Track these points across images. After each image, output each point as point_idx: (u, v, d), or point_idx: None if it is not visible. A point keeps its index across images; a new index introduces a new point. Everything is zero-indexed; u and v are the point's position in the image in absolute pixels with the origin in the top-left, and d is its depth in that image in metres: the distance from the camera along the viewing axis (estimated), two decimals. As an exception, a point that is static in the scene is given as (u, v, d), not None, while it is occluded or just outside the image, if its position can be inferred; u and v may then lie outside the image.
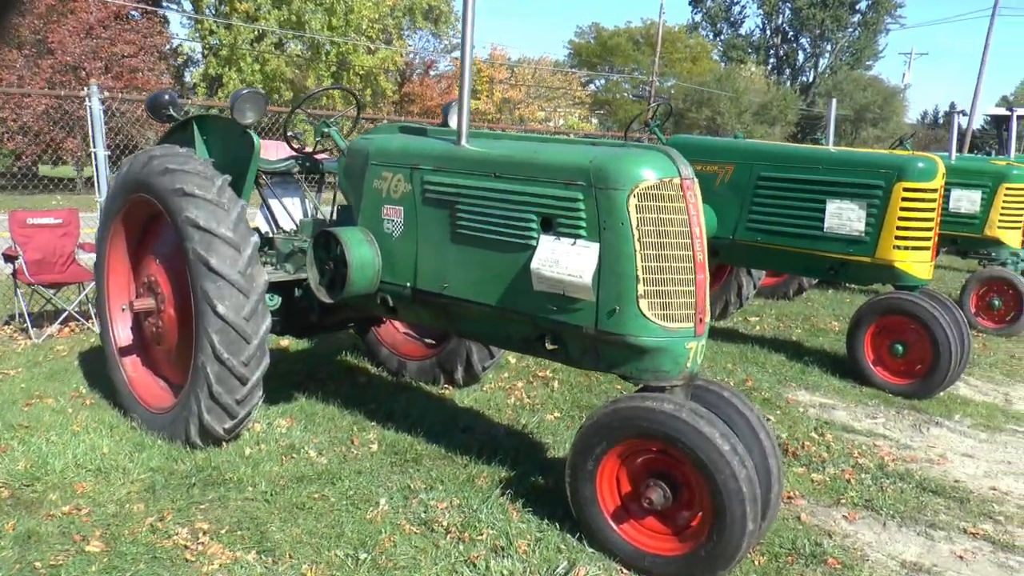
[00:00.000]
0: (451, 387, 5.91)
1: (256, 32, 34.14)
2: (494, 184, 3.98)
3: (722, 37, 59.82)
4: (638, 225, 3.48)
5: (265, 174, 5.67)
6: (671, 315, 3.53)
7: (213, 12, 35.27)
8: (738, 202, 7.23)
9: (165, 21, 35.08)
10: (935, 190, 6.59)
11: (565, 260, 3.63)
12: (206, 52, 35.46)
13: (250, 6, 33.75)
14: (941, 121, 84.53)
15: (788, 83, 56.10)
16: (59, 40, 26.07)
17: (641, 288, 3.49)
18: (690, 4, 60.68)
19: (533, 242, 3.79)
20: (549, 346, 3.93)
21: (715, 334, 8.09)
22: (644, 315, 3.50)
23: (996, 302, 9.41)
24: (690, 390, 3.74)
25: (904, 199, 6.53)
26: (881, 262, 6.63)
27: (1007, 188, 9.83)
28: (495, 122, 40.34)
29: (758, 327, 8.71)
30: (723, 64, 53.16)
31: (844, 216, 6.71)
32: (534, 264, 3.73)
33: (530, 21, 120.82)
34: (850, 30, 58.13)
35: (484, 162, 4.06)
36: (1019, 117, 13.56)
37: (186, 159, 4.76)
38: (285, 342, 7.06)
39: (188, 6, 35.64)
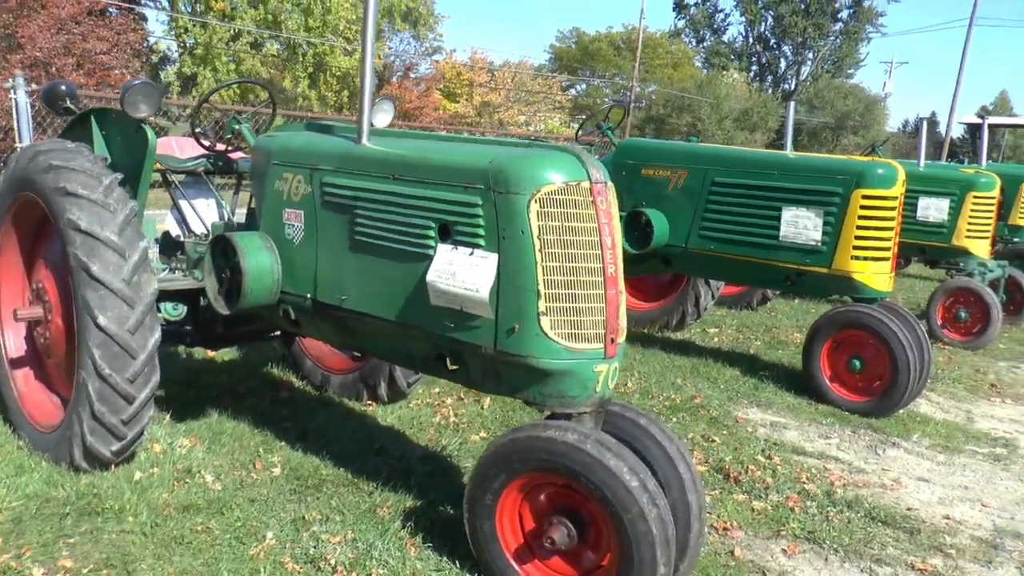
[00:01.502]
0: (375, 403, 5.52)
1: (232, 31, 33.68)
2: (392, 187, 3.60)
3: (705, 44, 59.75)
4: (540, 234, 3.11)
5: (175, 173, 5.28)
6: (577, 335, 3.16)
7: (189, 10, 34.78)
8: (691, 209, 6.88)
9: (142, 18, 34.58)
10: (895, 198, 6.26)
11: (462, 272, 3.26)
12: (181, 50, 34.95)
13: (226, 5, 33.30)
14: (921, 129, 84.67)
15: (770, 90, 56.00)
16: (29, 35, 25.53)
17: (543, 304, 3.12)
18: (673, 10, 60.66)
19: (431, 251, 3.42)
20: (450, 366, 3.56)
21: (670, 346, 7.73)
22: (546, 334, 3.13)
23: (963, 314, 9.09)
24: (601, 417, 3.37)
25: (863, 207, 6.19)
26: (839, 273, 6.29)
27: (975, 197, 9.52)
28: (475, 125, 39.98)
29: (716, 339, 8.36)
30: (705, 70, 52.98)
31: (800, 224, 6.36)
32: (430, 276, 3.36)
33: (512, 26, 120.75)
34: (832, 38, 58.24)
35: (383, 163, 3.69)
36: (991, 126, 13.36)
37: (73, 155, 4.36)
38: (212, 352, 6.65)
39: (164, 3, 35.12)
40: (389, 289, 3.64)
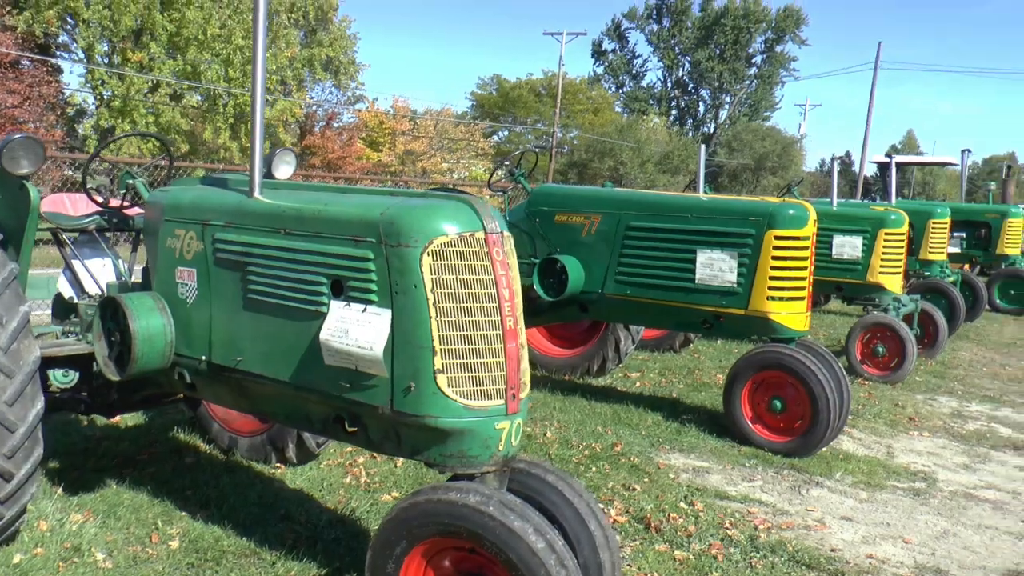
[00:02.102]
0: (284, 466, 5.29)
1: (150, 83, 33.17)
2: (283, 242, 3.45)
3: (624, 89, 60.85)
4: (433, 288, 2.98)
5: (67, 232, 5.03)
6: (476, 392, 3.02)
7: (106, 61, 34.15)
8: (606, 254, 6.82)
9: (57, 70, 33.88)
10: (807, 238, 6.29)
11: (355, 330, 3.11)
12: (98, 103, 34.28)
13: (143, 56, 32.77)
14: (838, 169, 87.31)
15: (690, 133, 57.20)
16: (-66, 86, 24.82)
17: (439, 361, 2.98)
18: (592, 57, 61.73)
19: (324, 309, 3.26)
20: (348, 429, 3.39)
21: (591, 393, 7.63)
22: (443, 392, 2.99)
23: (880, 349, 9.20)
24: (506, 476, 3.22)
25: (776, 247, 6.21)
26: (755, 314, 6.28)
27: (886, 234, 9.70)
28: (398, 174, 39.90)
29: (638, 383, 8.29)
30: (625, 115, 53.89)
31: (716, 267, 6.35)
32: (323, 334, 3.20)
33: (433, 73, 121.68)
34: (747, 83, 59.84)
35: (274, 216, 3.53)
36: (899, 164, 13.71)
37: (-56, 217, 4.12)
38: (116, 419, 6.34)
39: (80, 54, 34.39)
40: (284, 349, 3.47)
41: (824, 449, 6.45)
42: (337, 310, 3.20)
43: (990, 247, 15.47)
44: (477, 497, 2.91)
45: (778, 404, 6.30)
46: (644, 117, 52.69)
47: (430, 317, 2.98)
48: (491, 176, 7.74)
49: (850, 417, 7.52)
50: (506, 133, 50.24)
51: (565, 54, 43.66)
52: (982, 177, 64.78)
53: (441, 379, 2.99)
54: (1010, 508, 5.71)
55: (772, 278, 6.19)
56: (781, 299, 6.25)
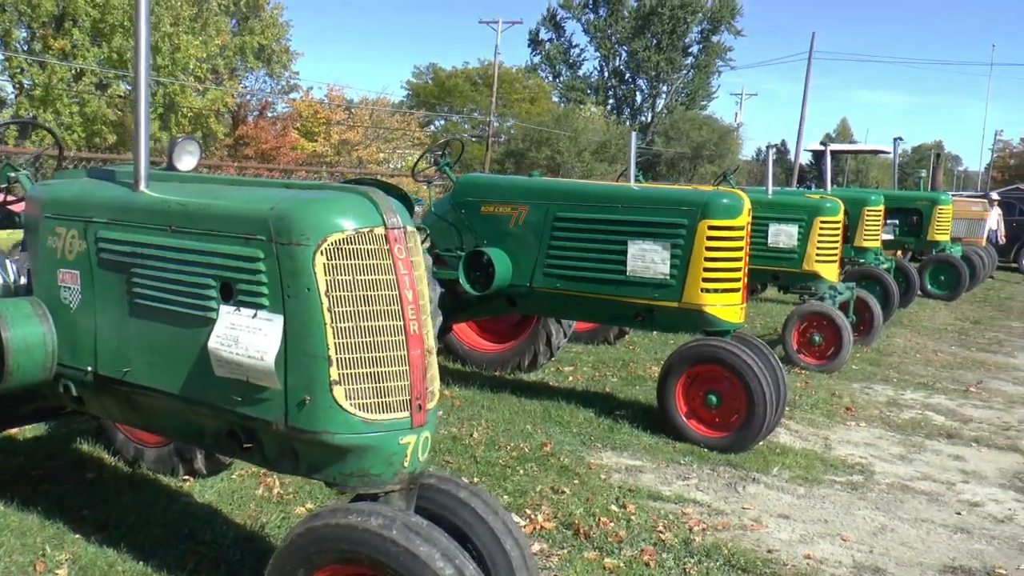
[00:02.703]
0: (192, 478, 4.95)
1: (73, 71, 32.07)
2: (170, 240, 3.13)
3: (561, 79, 60.71)
4: (328, 290, 2.70)
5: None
6: (377, 404, 2.75)
7: (25, 48, 32.93)
8: (535, 246, 6.58)
9: (-29, 59, 32.63)
10: (742, 227, 6.12)
11: (245, 337, 2.82)
12: (18, 92, 33.07)
13: (66, 43, 31.65)
14: (774, 157, 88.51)
15: (628, 122, 57.29)
16: None
17: (335, 372, 2.70)
18: (529, 46, 61.44)
19: (213, 314, 2.95)
20: (244, 445, 3.09)
21: (521, 390, 7.38)
22: (340, 406, 2.71)
23: (817, 338, 9.11)
24: (413, 494, 2.95)
25: (709, 238, 6.02)
26: (689, 307, 6.09)
27: (822, 221, 9.63)
28: (334, 165, 39.25)
29: (571, 378, 8.06)
30: (562, 104, 53.75)
31: (648, 258, 6.14)
32: (211, 343, 2.90)
33: (368, 62, 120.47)
34: (684, 72, 60.13)
35: (160, 212, 3.21)
36: (833, 152, 13.71)
37: None
38: (15, 430, 5.92)
39: (-4, 41, 33.16)
40: (172, 359, 3.16)
41: (761, 443, 6.29)
42: (226, 316, 2.90)
43: (922, 234, 15.59)
44: (379, 520, 2.64)
45: (713, 399, 6.12)
46: (581, 106, 52.58)
47: (325, 323, 2.70)
48: (415, 165, 7.44)
49: (787, 409, 7.40)
50: (443, 122, 49.79)
51: (502, 43, 43.39)
52: (912, 165, 66.07)
53: (338, 391, 2.71)
54: (945, 500, 5.61)
55: (706, 269, 6.01)
56: (716, 291, 6.07)
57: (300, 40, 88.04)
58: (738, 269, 6.11)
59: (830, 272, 9.74)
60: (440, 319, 6.47)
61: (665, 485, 5.46)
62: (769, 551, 4.62)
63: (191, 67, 35.25)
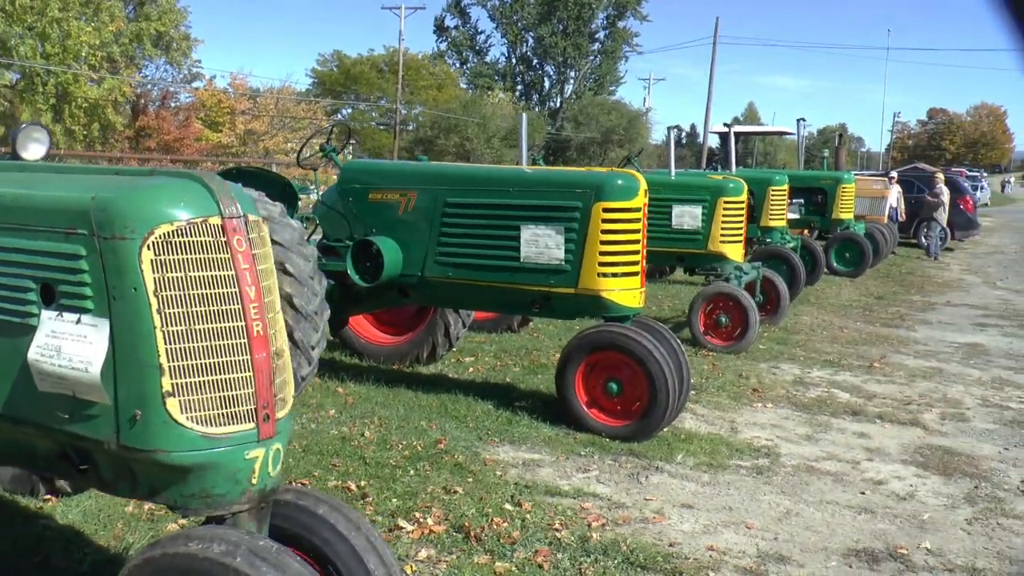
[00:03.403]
0: (55, 497, 4.55)
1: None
2: (-19, 237, 2.76)
3: (468, 65, 60.27)
4: (157, 290, 2.38)
5: None
6: (217, 416, 2.44)
7: None
8: (425, 234, 6.29)
9: None
10: (638, 209, 5.93)
11: (68, 346, 2.47)
12: None
13: (-60, 29, 30.03)
14: (684, 140, 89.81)
15: (536, 108, 57.20)
16: None
17: (167, 382, 2.38)
18: (434, 32, 60.82)
19: (34, 320, 2.60)
20: (80, 466, 2.75)
21: (419, 383, 7.10)
22: (175, 420, 2.39)
23: (723, 319, 9.04)
24: (266, 514, 2.65)
25: (604, 221, 5.82)
26: (586, 292, 5.89)
27: (725, 202, 9.57)
28: (239, 155, 38.24)
29: (471, 368, 7.81)
30: (470, 91, 53.37)
31: (541, 243, 5.92)
32: (32, 353, 2.54)
33: (271, 50, 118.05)
34: (591, 58, 60.26)
35: (-30, 206, 2.83)
36: (736, 134, 13.79)
37: None
38: None
39: None
40: (-9, 372, 2.78)
41: (666, 430, 6.15)
42: (48, 322, 2.55)
43: (827, 212, 15.79)
44: (221, 547, 2.34)
45: (614, 386, 5.93)
46: (489, 93, 52.28)
47: (154, 327, 2.38)
48: (299, 152, 7.07)
49: (693, 392, 7.27)
50: (350, 111, 48.98)
51: (408, 30, 42.85)
52: (818, 146, 67.52)
53: (171, 404, 2.39)
54: (850, 480, 5.54)
55: (602, 253, 5.81)
56: (613, 275, 5.87)
57: (200, 27, 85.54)
58: (636, 252, 5.93)
59: (735, 252, 9.69)
60: (327, 313, 6.14)
61: (564, 479, 5.25)
62: (671, 544, 4.44)
63: (84, 55, 33.87)
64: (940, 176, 22.08)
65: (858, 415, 7.01)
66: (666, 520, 4.75)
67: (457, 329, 7.61)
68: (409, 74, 48.76)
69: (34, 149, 4.37)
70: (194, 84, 42.77)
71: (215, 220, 2.46)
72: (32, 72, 32.83)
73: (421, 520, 4.48)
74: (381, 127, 48.84)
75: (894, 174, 22.68)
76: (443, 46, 60.63)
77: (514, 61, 61.34)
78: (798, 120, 16.92)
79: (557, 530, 4.46)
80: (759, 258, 12.10)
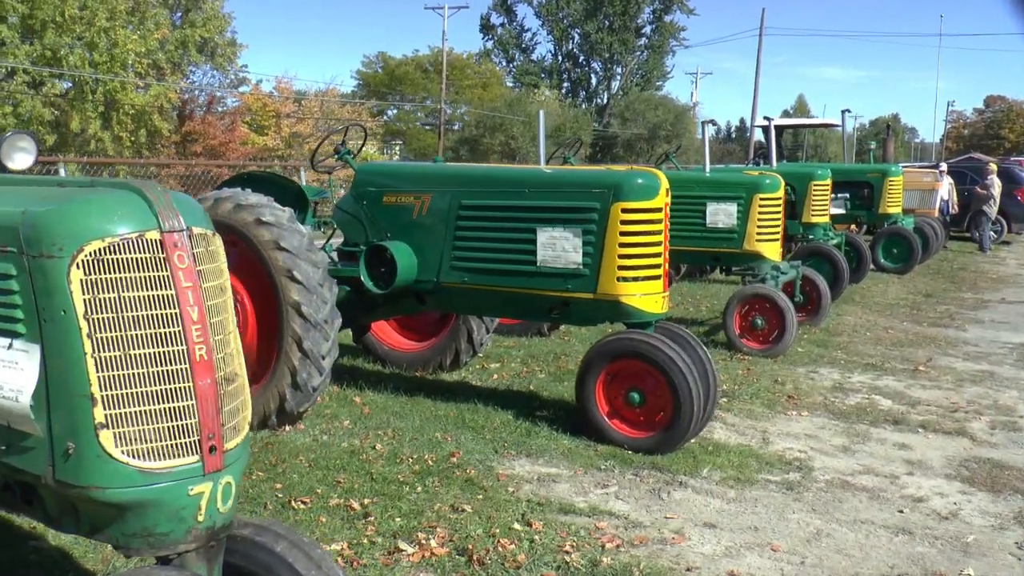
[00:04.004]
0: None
1: (5, 70, 30.97)
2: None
3: (514, 63, 60.02)
4: (87, 312, 2.18)
5: None
6: (155, 449, 2.23)
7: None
8: (440, 238, 6.07)
9: None
10: (659, 209, 5.64)
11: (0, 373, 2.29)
12: (-58, 92, 31.88)
13: (-9, 40, 30.48)
14: (734, 135, 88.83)
15: (583, 105, 56.78)
16: None
17: (101, 413, 2.18)
18: (480, 32, 60.66)
19: (-33, 345, 2.42)
20: (24, 500, 2.57)
21: (440, 391, 6.88)
22: (108, 454, 2.19)
23: (759, 321, 8.69)
24: (217, 552, 2.44)
25: (624, 222, 5.54)
26: (605, 298, 5.61)
27: (761, 199, 9.21)
28: (284, 159, 38.42)
29: (496, 375, 7.57)
30: (516, 89, 53.12)
31: (559, 247, 5.66)
32: (-37, 380, 2.37)
33: (316, 54, 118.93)
34: (638, 53, 59.67)
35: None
36: (777, 127, 13.39)
37: None
38: None
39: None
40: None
41: (692, 441, 5.86)
42: (-19, 346, 2.37)
43: (873, 207, 15.30)
44: (159, 593, 2.14)
45: (636, 396, 5.65)
46: (536, 91, 51.98)
47: (85, 353, 2.18)
48: (313, 154, 6.90)
49: (724, 400, 7.00)
50: (395, 111, 49.05)
51: (453, 30, 42.74)
52: (870, 139, 66.19)
53: (105, 436, 2.19)
54: (887, 496, 5.19)
55: (622, 256, 5.53)
56: (635, 279, 5.59)
57: (244, 32, 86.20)
58: (658, 255, 5.64)
59: (772, 251, 9.33)
60: (339, 321, 5.95)
61: (580, 495, 4.98)
62: (688, 569, 4.16)
63: (130, 62, 34.22)
64: (992, 166, 21.26)
65: (899, 424, 6.64)
66: (686, 541, 4.47)
67: (481, 335, 7.38)
68: (454, 73, 48.65)
69: (20, 159, 4.21)
70: (240, 89, 43.10)
71: (153, 235, 2.25)
72: (81, 81, 33.26)
73: (424, 541, 4.26)
74: (426, 127, 48.80)
75: (944, 165, 21.96)
76: (489, 44, 60.54)
77: (560, 58, 60.96)
78: (843, 111, 16.41)
79: (567, 552, 4.20)
80: (801, 256, 11.71)
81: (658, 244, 5.63)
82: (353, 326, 7.04)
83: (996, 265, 18.47)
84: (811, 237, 12.46)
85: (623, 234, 5.52)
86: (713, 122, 11.88)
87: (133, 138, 35.78)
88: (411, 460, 5.33)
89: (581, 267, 5.61)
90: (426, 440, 5.71)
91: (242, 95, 42.64)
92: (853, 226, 17.93)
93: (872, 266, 14.83)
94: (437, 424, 6.05)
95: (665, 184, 5.66)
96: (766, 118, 14.38)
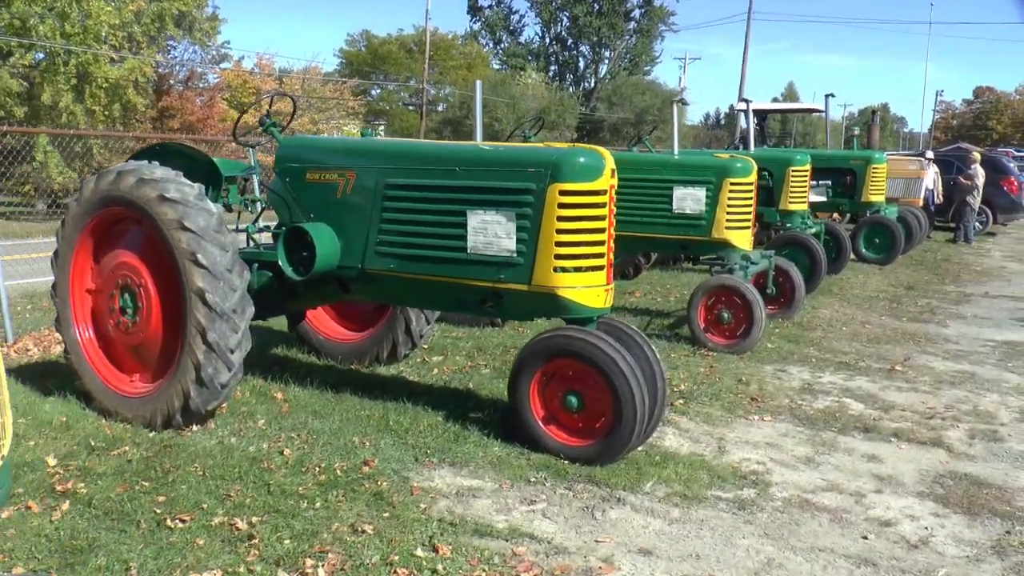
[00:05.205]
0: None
1: (-34, 39, 30.02)
2: None
3: (502, 45, 59.17)
4: None
5: None
6: None
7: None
8: (365, 220, 5.44)
9: None
10: (603, 192, 5.02)
11: None
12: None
13: (-45, 10, 29.53)
14: (723, 121, 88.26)
15: (570, 88, 55.98)
16: None
17: None
18: (468, 13, 59.76)
19: None
20: None
21: (369, 387, 6.28)
22: None
23: (725, 315, 8.10)
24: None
25: (562, 206, 4.92)
26: (541, 290, 5.00)
27: (731, 184, 8.61)
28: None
29: (436, 370, 6.96)
30: (504, 71, 52.28)
31: (491, 232, 5.05)
32: None
33: (298, 30, 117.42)
34: (627, 37, 58.91)
35: None
36: (757, 111, 12.77)
37: None
38: None
39: None
40: None
41: (640, 449, 5.29)
42: None
43: (856, 195, 14.72)
44: None
45: (574, 400, 5.05)
46: (521, 73, 51.13)
47: None
48: (235, 125, 6.23)
49: (681, 401, 6.46)
50: (378, 91, 48.20)
51: (440, 10, 41.92)
52: (860, 128, 65.48)
53: None
54: (851, 519, 4.62)
55: (559, 244, 4.91)
56: (572, 270, 4.98)
57: (226, 6, 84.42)
58: (600, 243, 5.02)
59: (742, 240, 8.74)
60: (250, 310, 5.34)
61: (502, 513, 4.40)
62: (612, 608, 3.60)
63: (104, 34, 33.32)
64: (976, 155, 20.61)
65: (870, 432, 6.06)
66: (615, 572, 3.90)
67: (420, 326, 6.78)
68: (439, 54, 47.73)
69: None
70: (222, 65, 42.16)
71: None
72: (53, 52, 32.35)
73: (310, 571, 3.67)
74: (410, 108, 47.94)
75: (930, 154, 21.37)
76: (476, 26, 59.63)
77: (548, 41, 60.11)
78: (826, 96, 15.76)
79: (473, 587, 3.63)
80: (777, 245, 11.16)
81: (601, 231, 5.01)
82: (274, 315, 6.42)
83: (980, 257, 17.95)
84: (788, 225, 11.89)
85: (561, 219, 4.90)
86: (684, 101, 11.25)
87: (107, 112, 34.95)
88: (318, 469, 4.73)
89: (515, 255, 4.99)
90: (341, 445, 5.11)
91: (223, 71, 41.75)
92: (836, 214, 17.39)
93: (853, 256, 14.27)
94: (358, 426, 5.45)
95: (611, 164, 5.04)
96: (744, 100, 13.76)
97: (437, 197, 5.20)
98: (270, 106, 6.34)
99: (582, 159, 4.94)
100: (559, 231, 4.90)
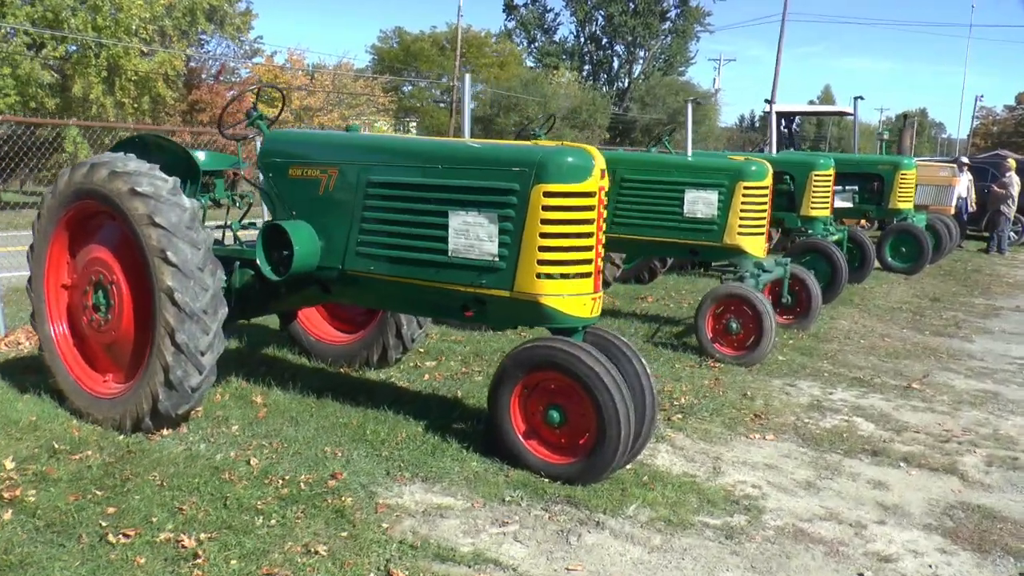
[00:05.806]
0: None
1: (3, 31, 30.25)
2: None
3: (536, 44, 58.85)
4: None
5: None
6: None
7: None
8: (346, 218, 5.18)
9: None
10: (591, 194, 4.72)
11: None
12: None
13: (-10, 2, 29.76)
14: (757, 124, 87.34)
15: (604, 88, 55.52)
16: None
17: None
18: (503, 11, 59.49)
19: None
20: None
21: (353, 393, 6.01)
22: None
23: (734, 325, 7.77)
24: None
25: (546, 208, 4.62)
26: (523, 297, 4.71)
27: (745, 187, 8.26)
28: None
29: (427, 376, 6.68)
30: (538, 69, 51.95)
31: (472, 234, 4.77)
32: None
33: (331, 26, 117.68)
34: (662, 37, 58.37)
35: None
36: (781, 114, 12.40)
37: None
38: None
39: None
40: None
41: (627, 467, 4.99)
42: None
43: (883, 201, 14.27)
44: None
45: (556, 415, 4.76)
46: (555, 72, 50.75)
47: None
48: (220, 117, 5.99)
49: (679, 416, 6.15)
50: (409, 88, 48.05)
51: (476, 8, 41.68)
52: (896, 133, 64.41)
53: None
54: (848, 552, 4.28)
55: (543, 249, 4.62)
56: (562, 276, 4.69)
57: (259, 2, 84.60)
58: (588, 248, 4.72)
59: (755, 246, 8.39)
60: (223, 311, 5.11)
61: (469, 536, 4.12)
62: (577, 647, 3.31)
63: (135, 28, 33.46)
64: (1011, 163, 19.94)
65: (879, 455, 5.70)
66: (583, 604, 3.61)
67: (411, 330, 6.53)
68: (471, 52, 47.46)
69: None
70: (254, 60, 42.26)
71: None
72: (85, 44, 32.52)
73: (251, 596, 3.42)
74: (441, 105, 47.72)
75: (965, 159, 20.76)
76: (511, 24, 59.37)
77: (583, 40, 59.73)
78: (855, 99, 15.29)
79: (423, 619, 3.35)
80: (797, 252, 10.78)
81: (588, 236, 4.72)
82: (257, 315, 6.19)
83: (1014, 268, 17.36)
84: (810, 232, 11.51)
85: (545, 222, 4.61)
86: (697, 101, 10.92)
87: (136, 104, 35.10)
88: (281, 482, 4.48)
89: (497, 259, 4.71)
90: (311, 455, 4.86)
91: (255, 66, 41.84)
92: (863, 221, 16.90)
93: (878, 265, 13.84)
94: (332, 435, 5.20)
95: (600, 164, 4.74)
96: (767, 101, 13.37)
97: (419, 196, 4.93)
98: (257, 97, 6.08)
99: (569, 158, 4.65)
100: (543, 235, 4.60)
